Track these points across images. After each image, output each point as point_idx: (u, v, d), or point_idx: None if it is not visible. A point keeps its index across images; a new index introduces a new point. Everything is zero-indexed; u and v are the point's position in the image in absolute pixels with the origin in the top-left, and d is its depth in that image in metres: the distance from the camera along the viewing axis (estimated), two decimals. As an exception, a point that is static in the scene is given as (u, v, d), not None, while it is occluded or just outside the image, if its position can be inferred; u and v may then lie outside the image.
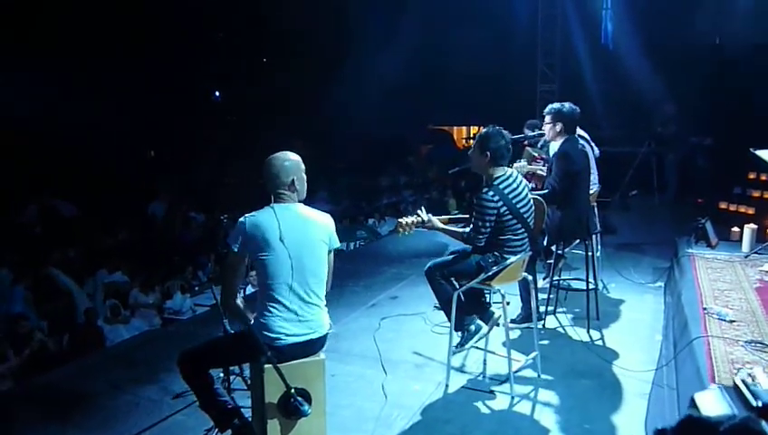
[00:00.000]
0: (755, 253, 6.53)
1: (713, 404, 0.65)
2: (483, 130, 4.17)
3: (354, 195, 16.73)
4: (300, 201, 3.29)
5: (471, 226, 4.10)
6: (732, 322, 4.61)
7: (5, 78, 12.69)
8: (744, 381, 0.70)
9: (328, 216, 3.35)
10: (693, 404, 0.71)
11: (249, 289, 6.81)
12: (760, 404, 0.59)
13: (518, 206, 4.08)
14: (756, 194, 8.47)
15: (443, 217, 4.47)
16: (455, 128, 23.85)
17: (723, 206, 8.67)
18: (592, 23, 13.28)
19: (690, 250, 6.75)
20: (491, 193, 4.01)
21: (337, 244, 3.35)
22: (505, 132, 4.12)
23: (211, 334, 3.59)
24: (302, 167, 3.29)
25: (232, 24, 18.31)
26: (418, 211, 4.34)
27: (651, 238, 8.41)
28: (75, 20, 14.59)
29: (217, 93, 21.21)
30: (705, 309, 4.84)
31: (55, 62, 13.71)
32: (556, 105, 5.25)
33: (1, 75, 12.71)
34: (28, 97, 12.92)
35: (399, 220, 4.36)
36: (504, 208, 4.01)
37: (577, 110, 5.21)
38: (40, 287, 8.63)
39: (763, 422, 0.66)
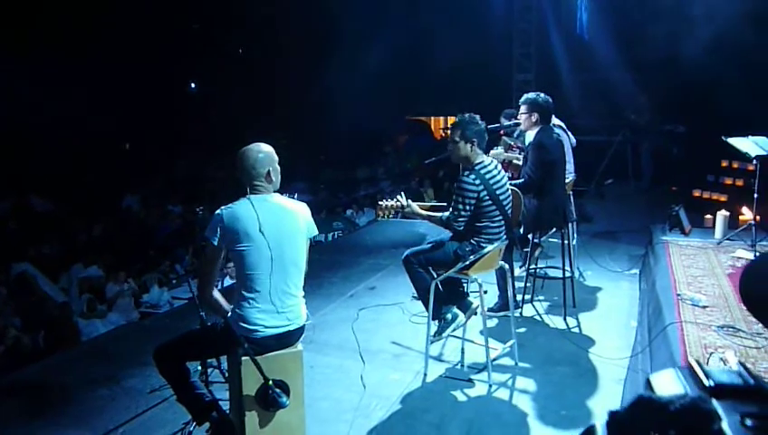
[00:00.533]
0: (728, 239, 6.64)
1: (668, 385, 0.67)
2: (456, 119, 4.17)
3: (332, 186, 16.71)
4: (275, 191, 3.27)
5: (450, 209, 4.11)
6: (705, 307, 4.69)
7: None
8: (697, 362, 0.72)
9: (304, 204, 3.33)
10: (648, 385, 0.72)
11: (227, 281, 6.77)
12: (712, 384, 0.61)
13: (498, 193, 4.10)
14: (729, 181, 8.61)
15: (423, 203, 4.48)
16: (432, 118, 23.86)
17: (696, 193, 8.80)
18: (567, 13, 13.34)
19: (664, 237, 6.85)
20: (472, 176, 4.02)
21: (315, 231, 3.33)
22: (477, 116, 4.15)
23: (188, 327, 3.56)
24: (276, 158, 3.27)
25: (208, 16, 18.13)
26: (398, 196, 4.35)
27: (626, 226, 8.49)
28: (49, 14, 14.38)
29: (193, 85, 21.01)
30: (678, 295, 4.92)
31: (29, 56, 13.50)
32: (531, 95, 5.27)
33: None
34: (1, 91, 12.73)
35: (379, 203, 4.38)
36: (485, 193, 4.02)
37: (551, 100, 5.25)
38: (13, 284, 8.52)
39: (714, 401, 0.67)
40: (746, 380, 0.70)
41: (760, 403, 0.66)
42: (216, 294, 3.27)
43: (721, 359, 3.58)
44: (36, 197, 13.82)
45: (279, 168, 3.28)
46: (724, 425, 0.63)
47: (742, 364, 0.74)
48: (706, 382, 0.70)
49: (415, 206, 4.32)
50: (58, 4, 14.46)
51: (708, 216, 7.34)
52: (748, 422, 0.64)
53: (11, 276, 8.67)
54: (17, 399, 4.34)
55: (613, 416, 0.69)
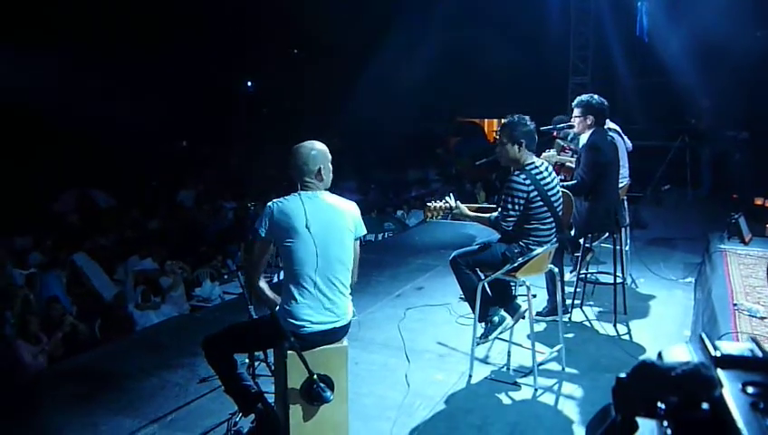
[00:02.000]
0: (790, 249, 6.40)
1: (677, 355, 0.66)
2: (504, 121, 4.13)
3: (383, 187, 16.75)
4: (326, 190, 3.30)
5: (500, 209, 4.07)
6: (763, 318, 4.53)
7: (54, 72, 13.03)
8: (707, 335, 0.71)
9: (353, 203, 3.35)
10: (659, 357, 0.72)
11: (279, 276, 6.85)
12: (719, 354, 0.60)
13: (548, 194, 4.04)
14: (793, 190, 8.29)
15: (471, 205, 4.45)
16: (485, 120, 23.70)
17: (758, 202, 8.49)
18: (627, 15, 13.08)
19: (722, 246, 6.63)
20: (522, 176, 3.97)
21: (363, 231, 3.34)
22: (526, 117, 4.09)
23: (237, 321, 3.62)
24: (329, 156, 3.30)
25: (264, 14, 18.42)
26: (446, 197, 4.33)
27: (683, 234, 8.27)
28: (114, 14, 14.86)
29: (249, 84, 21.38)
30: (735, 305, 4.76)
31: (96, 54, 14.00)
32: (585, 97, 5.18)
33: (50, 69, 13.07)
34: (71, 91, 13.23)
35: (428, 204, 4.37)
36: (535, 193, 3.96)
37: (605, 102, 5.14)
38: (71, 273, 8.82)
39: (719, 370, 0.66)
40: (755, 353, 0.69)
41: (764, 374, 0.65)
42: (263, 284, 3.32)
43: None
44: (99, 191, 14.29)
45: (331, 166, 3.30)
46: (725, 391, 0.62)
47: (753, 339, 0.72)
48: (713, 353, 0.69)
49: (463, 207, 4.29)
50: (125, 3, 14.93)
51: (770, 225, 7.09)
52: (750, 390, 0.63)
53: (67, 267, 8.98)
54: (72, 384, 4.48)
55: (619, 382, 0.70)
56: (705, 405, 0.62)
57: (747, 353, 0.70)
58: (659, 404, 0.65)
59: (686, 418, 0.63)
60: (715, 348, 0.71)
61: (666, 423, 0.65)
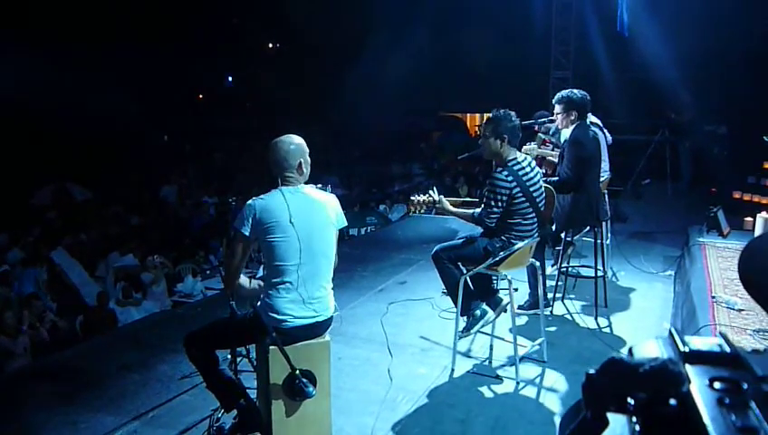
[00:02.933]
0: None
1: (647, 351, 0.67)
2: (489, 115, 4.15)
3: (366, 181, 16.75)
4: (305, 183, 3.29)
5: (482, 205, 4.08)
6: (740, 311, 4.59)
7: (29, 66, 12.89)
8: (676, 330, 0.72)
9: (333, 196, 3.35)
10: (630, 353, 0.73)
11: (261, 271, 6.83)
12: (687, 350, 0.61)
13: (531, 190, 4.06)
14: (770, 183, 8.39)
15: (454, 199, 4.46)
16: (467, 115, 23.76)
17: (736, 195, 8.59)
18: (608, 10, 13.16)
19: (701, 239, 6.71)
20: (505, 173, 3.98)
21: (344, 222, 3.34)
22: (512, 113, 4.10)
23: (219, 317, 3.60)
24: (307, 149, 3.29)
25: (246, 11, 18.33)
26: (430, 191, 4.34)
27: (662, 227, 8.34)
28: (95, 9, 14.73)
29: (230, 78, 21.26)
30: (713, 298, 4.82)
31: (72, 50, 13.86)
32: (565, 92, 5.17)
33: (25, 64, 12.93)
34: (48, 85, 13.08)
35: (411, 198, 4.38)
36: (517, 190, 3.98)
37: (587, 95, 5.16)
38: (50, 270, 8.74)
39: (687, 366, 0.68)
40: (723, 348, 0.71)
41: (731, 369, 0.66)
42: (243, 279, 3.30)
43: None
44: (75, 185, 14.15)
45: (309, 160, 3.30)
46: (693, 387, 0.64)
47: (723, 335, 0.74)
48: (682, 348, 0.71)
49: (446, 202, 4.30)
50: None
51: (748, 218, 7.17)
52: (716, 385, 0.64)
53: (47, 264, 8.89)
54: (52, 381, 4.45)
55: (589, 378, 0.71)
56: (672, 400, 0.63)
57: (715, 349, 0.71)
58: (629, 400, 0.67)
59: (654, 413, 0.64)
60: (684, 344, 0.72)
61: (635, 419, 0.66)
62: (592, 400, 0.71)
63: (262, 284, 3.24)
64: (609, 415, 0.70)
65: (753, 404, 0.60)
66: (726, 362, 0.68)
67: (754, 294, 0.89)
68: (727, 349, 0.70)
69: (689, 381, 0.65)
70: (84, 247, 10.08)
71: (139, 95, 15.31)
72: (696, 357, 0.69)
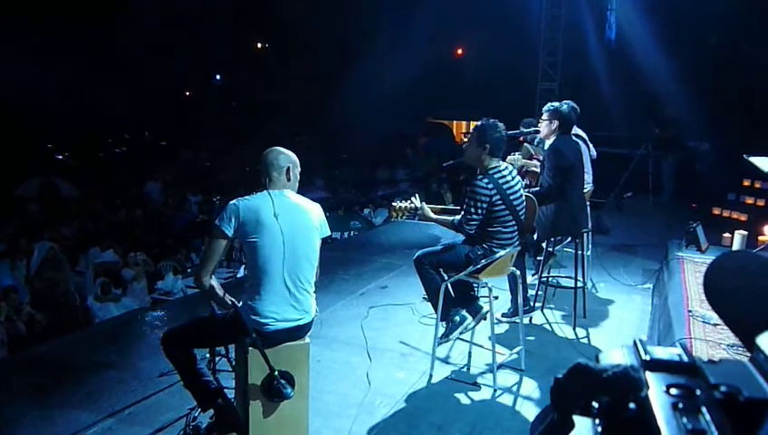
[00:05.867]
0: (745, 259, 6.56)
1: (612, 358, 0.71)
2: (479, 123, 4.19)
3: (352, 185, 16.77)
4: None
5: (462, 212, 4.12)
6: (716, 325, 4.64)
7: (20, 61, 12.84)
8: (639, 340, 0.75)
9: (317, 205, 3.38)
10: (596, 359, 0.77)
11: (241, 271, 6.83)
12: (648, 358, 0.65)
13: (511, 198, 4.10)
14: (749, 201, 8.53)
15: (436, 206, 4.50)
16: (454, 122, 23.88)
17: (716, 211, 8.72)
18: (596, 23, 13.32)
19: (680, 253, 6.78)
20: (485, 180, 4.02)
21: (327, 231, 3.36)
22: (500, 125, 4.15)
23: (199, 316, 3.60)
24: (298, 164, 3.31)
25: (236, 11, 18.32)
26: (412, 198, 4.37)
27: (643, 240, 8.43)
28: (80, 3, 14.67)
29: (218, 77, 21.22)
30: (690, 311, 4.88)
31: (58, 45, 13.80)
32: (555, 104, 5.26)
33: (18, 58, 12.89)
34: (37, 80, 13.02)
35: (393, 204, 4.42)
36: (497, 198, 4.02)
37: (577, 110, 5.23)
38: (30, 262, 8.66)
39: (647, 373, 0.72)
40: (682, 358, 0.75)
41: (687, 377, 0.70)
42: (214, 281, 3.29)
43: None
44: (62, 180, 14.06)
45: (299, 175, 3.32)
46: (651, 392, 0.68)
47: (682, 346, 0.78)
48: (643, 356, 0.75)
49: (427, 209, 4.33)
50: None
51: (726, 234, 7.26)
52: (673, 391, 0.68)
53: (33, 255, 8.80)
54: (28, 375, 4.42)
55: (557, 382, 0.74)
56: (632, 405, 0.67)
57: (675, 358, 0.75)
58: (593, 403, 0.70)
59: (615, 416, 0.67)
60: (646, 352, 0.76)
61: (598, 421, 0.69)
62: (560, 403, 0.75)
63: (234, 300, 3.21)
64: (576, 418, 0.74)
65: (704, 409, 0.65)
66: (683, 371, 0.72)
67: (717, 311, 0.93)
68: (685, 358, 0.74)
69: (648, 387, 0.69)
70: (66, 241, 10.00)
71: (126, 92, 15.24)
72: (656, 365, 0.73)
